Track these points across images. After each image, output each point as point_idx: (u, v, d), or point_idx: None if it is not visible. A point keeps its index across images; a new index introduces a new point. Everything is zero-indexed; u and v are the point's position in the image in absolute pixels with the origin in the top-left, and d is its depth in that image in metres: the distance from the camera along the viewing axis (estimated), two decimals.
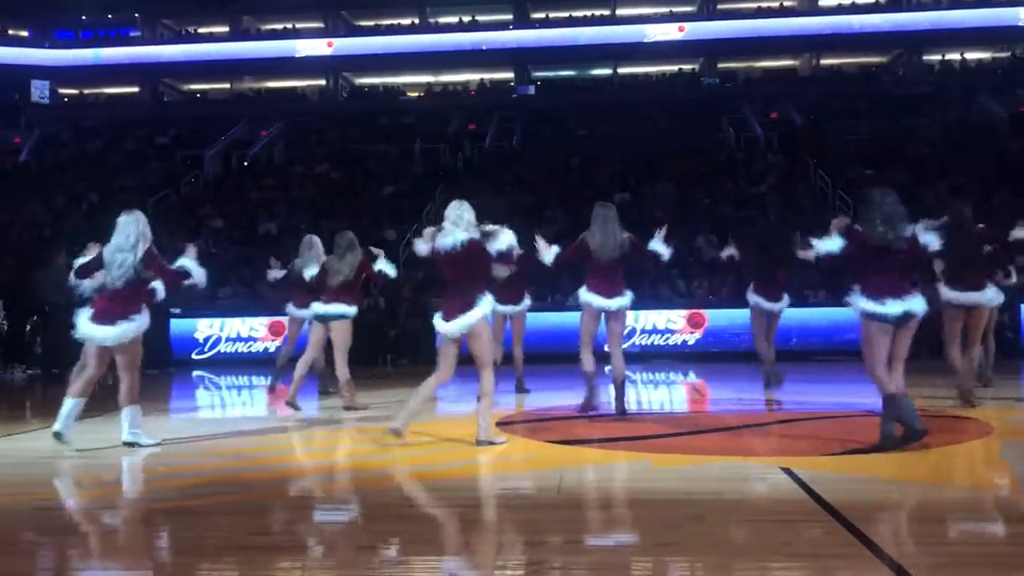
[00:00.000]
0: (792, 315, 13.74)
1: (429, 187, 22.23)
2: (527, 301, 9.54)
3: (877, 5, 32.56)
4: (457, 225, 6.10)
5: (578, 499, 4.76)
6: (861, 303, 5.62)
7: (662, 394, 10.40)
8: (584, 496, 4.88)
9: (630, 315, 13.98)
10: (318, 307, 8.26)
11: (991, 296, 7.47)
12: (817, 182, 21.41)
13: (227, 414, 9.49)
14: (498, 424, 7.22)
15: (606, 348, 7.77)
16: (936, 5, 31.50)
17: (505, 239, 6.18)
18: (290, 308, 9.67)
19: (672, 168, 22.70)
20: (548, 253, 7.40)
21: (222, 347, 15.16)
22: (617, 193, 21.25)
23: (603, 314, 7.46)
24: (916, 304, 5.58)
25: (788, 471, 5.04)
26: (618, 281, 7.42)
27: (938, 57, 31.61)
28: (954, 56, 31.77)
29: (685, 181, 21.87)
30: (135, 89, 34.31)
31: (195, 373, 13.93)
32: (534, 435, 6.79)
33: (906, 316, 5.55)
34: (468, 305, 6.06)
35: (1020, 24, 30.51)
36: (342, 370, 8.27)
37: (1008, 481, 4.99)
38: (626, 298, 7.46)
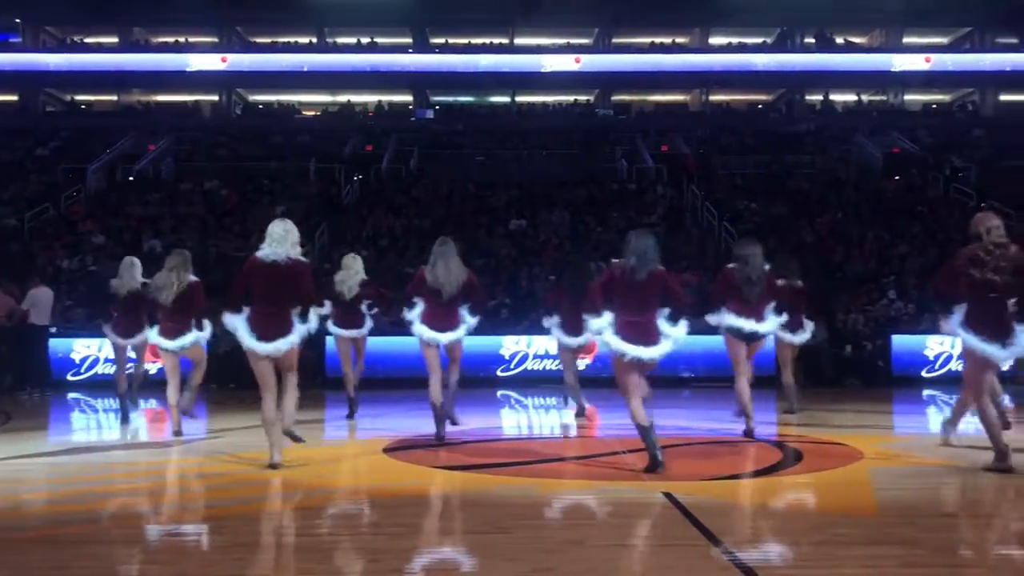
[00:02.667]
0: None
1: (323, 207, 21.97)
2: (368, 324, 9.58)
3: (764, 46, 33.96)
4: (282, 244, 6.15)
5: (460, 525, 4.75)
6: (614, 343, 5.99)
7: (552, 419, 10.48)
8: (467, 520, 4.86)
9: (522, 340, 14.34)
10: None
11: (769, 328, 7.68)
12: (704, 214, 22.07)
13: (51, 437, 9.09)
14: (384, 450, 7.17)
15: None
16: (818, 48, 33.04)
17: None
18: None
19: (567, 196, 23.05)
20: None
21: (100, 368, 14.51)
22: (513, 219, 21.47)
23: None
24: (655, 351, 5.97)
25: (669, 495, 5.15)
26: (454, 313, 7.53)
27: (819, 97, 33.12)
28: (835, 97, 33.35)
29: (579, 210, 22.23)
30: (14, 97, 32.81)
31: (70, 395, 13.32)
32: (420, 460, 6.75)
33: (645, 359, 5.97)
34: (285, 329, 6.18)
35: (893, 70, 32.32)
36: (172, 394, 8.03)
37: (875, 505, 5.21)
38: (460, 331, 7.57)
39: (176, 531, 4.63)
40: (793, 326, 9.14)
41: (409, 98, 33.52)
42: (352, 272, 9.44)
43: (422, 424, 8.47)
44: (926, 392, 12.85)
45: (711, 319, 7.72)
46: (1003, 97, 33.44)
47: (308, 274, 6.32)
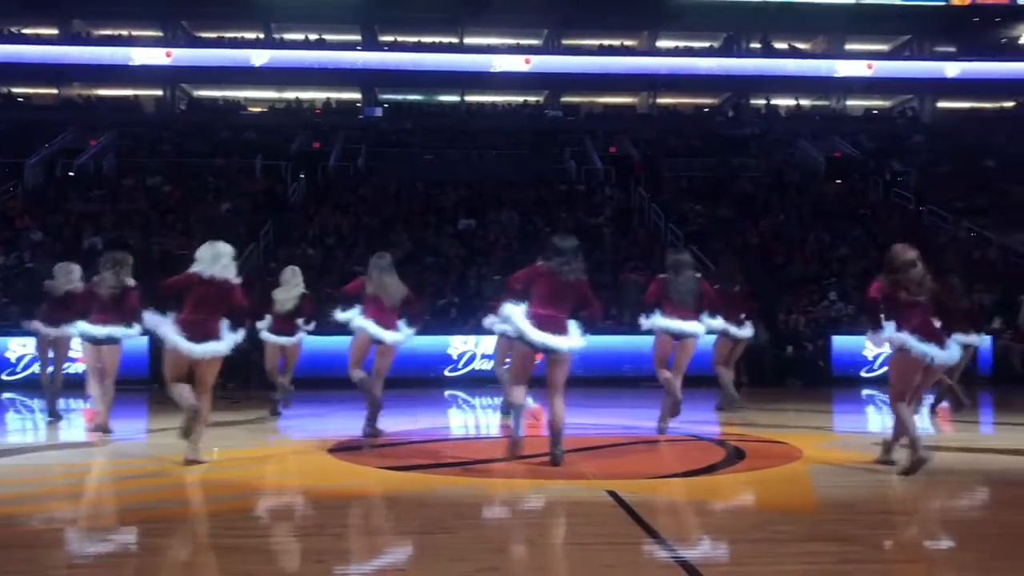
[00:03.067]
0: (626, 342, 14.32)
1: (269, 205, 21.72)
2: (302, 333, 9.70)
3: (711, 50, 34.39)
4: (212, 265, 6.43)
5: (404, 526, 4.74)
6: (522, 328, 6.14)
7: (499, 418, 10.49)
8: (412, 521, 4.85)
9: (470, 340, 14.34)
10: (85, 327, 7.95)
11: (699, 329, 8.01)
12: (651, 216, 22.29)
13: None
14: (329, 451, 7.11)
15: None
16: (763, 53, 33.56)
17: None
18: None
19: (516, 196, 23.09)
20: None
21: (36, 368, 14.15)
22: (462, 219, 21.46)
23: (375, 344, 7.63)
24: (565, 343, 6.12)
25: (614, 494, 5.19)
26: (395, 319, 7.67)
27: (764, 102, 33.64)
28: (779, 102, 33.91)
29: (528, 210, 22.29)
30: None
31: (4, 395, 12.98)
32: (364, 461, 6.70)
33: (549, 350, 6.13)
34: (214, 335, 6.35)
35: (836, 76, 32.96)
36: (94, 390, 8.00)
37: (814, 502, 5.31)
38: (400, 334, 7.66)
39: (112, 536, 4.54)
40: (735, 323, 9.58)
41: (357, 96, 33.28)
42: (292, 286, 9.59)
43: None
44: (865, 392, 13.14)
45: (644, 323, 8.06)
46: (941, 104, 34.33)
47: (238, 292, 6.55)
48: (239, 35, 33.42)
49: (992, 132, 31.16)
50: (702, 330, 8.09)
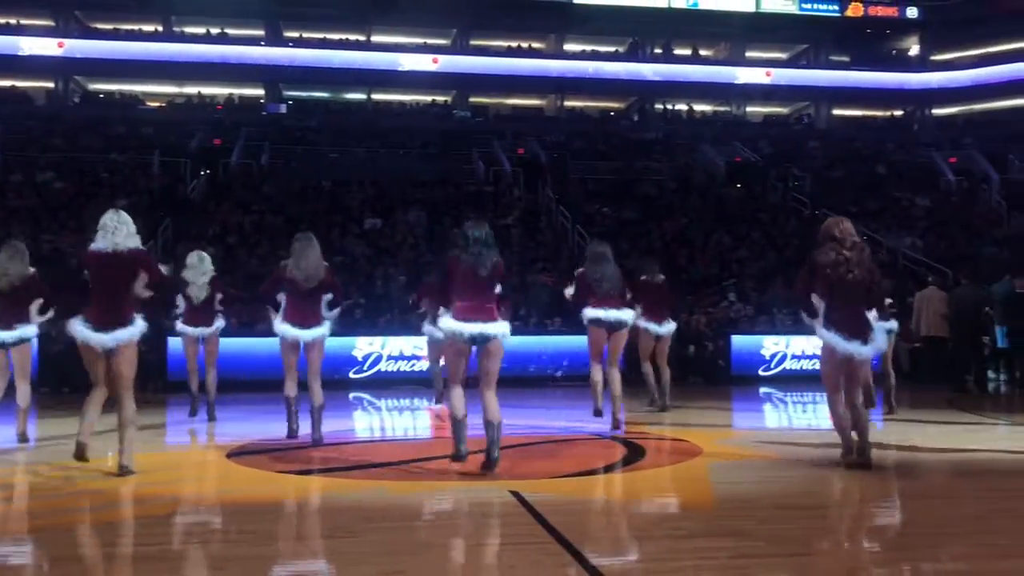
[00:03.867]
0: (534, 342, 14.41)
1: (167, 202, 21.07)
2: (220, 322, 9.38)
3: (616, 54, 34.92)
4: (115, 234, 5.92)
5: (305, 530, 4.66)
6: (447, 325, 5.97)
7: (405, 420, 10.43)
8: (312, 527, 4.78)
9: (376, 341, 14.19)
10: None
11: (627, 318, 8.18)
12: (559, 217, 22.48)
13: None
14: (228, 456, 6.94)
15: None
16: (667, 59, 34.25)
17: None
18: None
19: (424, 196, 22.98)
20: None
21: None
22: (368, 218, 21.23)
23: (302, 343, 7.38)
24: (496, 329, 5.94)
25: (517, 494, 5.21)
26: (316, 310, 7.38)
27: (669, 106, 34.33)
28: (682, 107, 34.66)
29: (436, 210, 22.20)
30: None
31: None
32: (265, 465, 6.57)
33: (481, 338, 5.90)
34: (122, 320, 5.89)
35: (737, 82, 33.91)
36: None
37: (712, 499, 5.44)
38: (323, 328, 7.40)
39: (4, 547, 4.33)
40: (657, 319, 9.72)
41: (261, 92, 32.64)
42: (200, 271, 9.22)
43: (270, 428, 8.27)
44: (763, 390, 13.51)
45: (584, 319, 8.15)
46: (836, 111, 35.66)
47: (149, 261, 6.12)
48: (137, 27, 32.38)
49: (883, 139, 32.54)
50: (632, 317, 8.22)
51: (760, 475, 6.18)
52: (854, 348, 6.04)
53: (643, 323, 9.61)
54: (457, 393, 5.98)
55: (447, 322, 5.97)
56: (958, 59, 35.65)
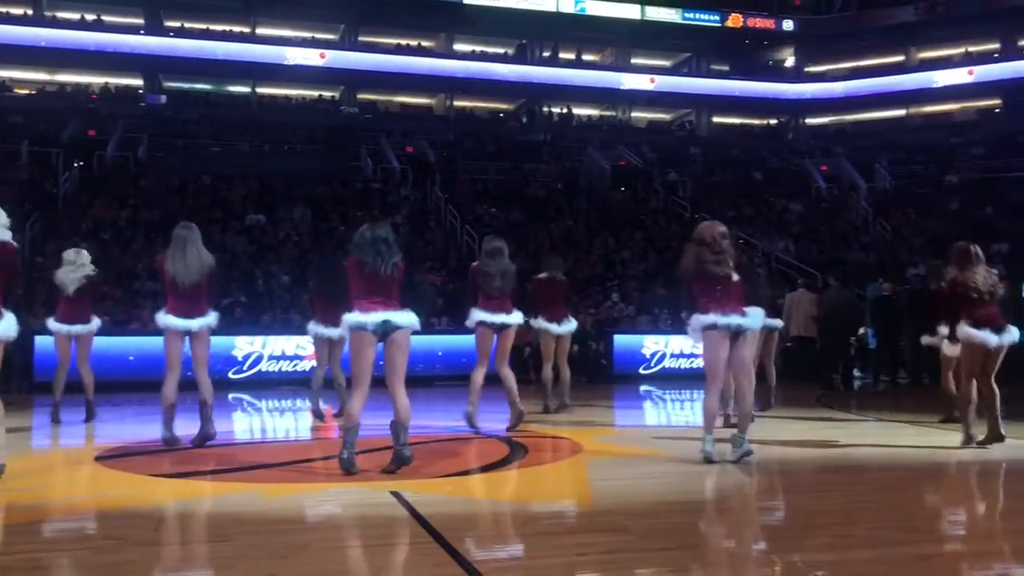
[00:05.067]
0: (421, 341, 14.34)
1: (37, 195, 20.07)
2: (96, 322, 9.03)
3: (505, 56, 35.15)
4: None
5: (177, 535, 4.52)
6: (351, 318, 5.83)
7: (286, 421, 10.24)
8: (184, 531, 4.64)
9: (256, 341, 13.87)
10: None
11: (513, 321, 8.17)
12: (447, 217, 22.47)
13: None
14: (98, 459, 6.67)
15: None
16: (554, 62, 34.68)
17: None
18: None
19: (309, 193, 22.59)
20: None
21: None
22: (250, 215, 20.73)
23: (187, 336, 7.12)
24: (402, 318, 5.86)
25: (397, 495, 5.18)
26: (201, 303, 7.13)
27: (556, 109, 34.76)
28: (573, 111, 35.13)
29: (321, 207, 21.87)
30: None
31: None
32: (137, 468, 6.34)
33: (387, 326, 5.81)
34: None
35: (622, 88, 34.63)
36: None
37: (590, 495, 5.54)
38: (211, 317, 7.17)
39: None
40: (557, 318, 9.76)
41: (139, 82, 31.48)
42: (76, 267, 8.82)
43: (142, 429, 7.99)
44: (643, 388, 13.84)
45: (469, 322, 8.13)
46: (716, 119, 36.85)
47: (13, 254, 5.76)
48: (5, 10, 30.71)
49: (759, 147, 33.81)
50: (519, 319, 8.20)
51: (638, 471, 6.33)
52: (736, 320, 6.21)
53: (543, 323, 9.67)
54: (358, 398, 5.81)
55: (350, 315, 5.82)
56: (831, 71, 37.38)
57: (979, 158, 29.86)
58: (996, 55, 34.24)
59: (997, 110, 33.84)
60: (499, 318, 8.01)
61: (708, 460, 6.26)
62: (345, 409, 5.89)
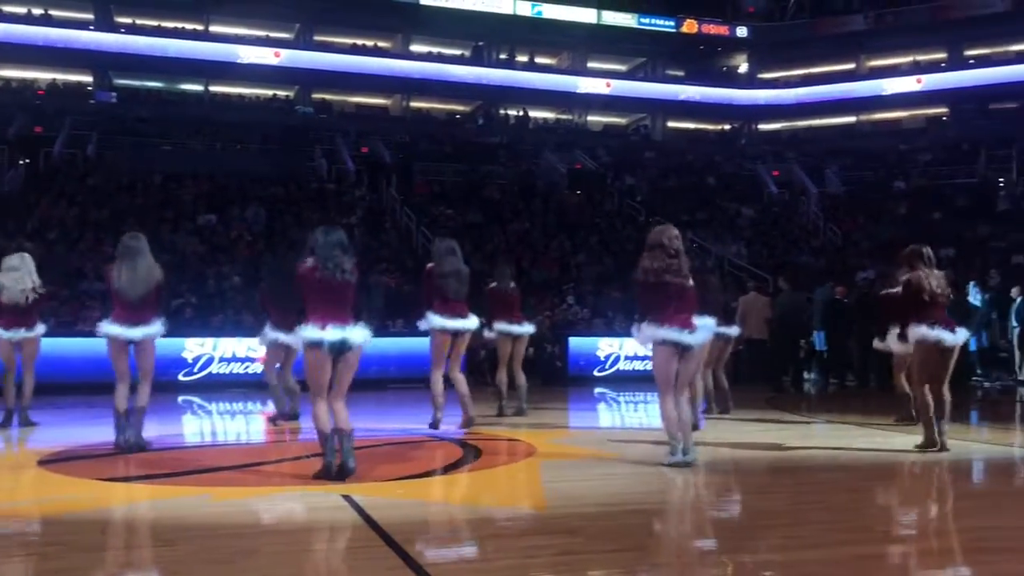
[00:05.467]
0: (371, 344, 14.24)
1: None
2: (40, 327, 8.83)
3: (462, 57, 35.11)
4: None
5: (124, 539, 4.44)
6: (308, 333, 5.72)
7: (237, 424, 10.11)
8: (130, 536, 4.55)
9: (207, 342, 13.66)
10: None
11: (471, 326, 8.22)
12: (403, 218, 22.37)
13: None
14: (40, 463, 6.52)
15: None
16: (510, 64, 34.71)
17: None
18: None
19: (263, 193, 22.34)
20: None
21: None
22: (202, 215, 20.45)
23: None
24: (358, 336, 5.81)
25: (348, 498, 5.13)
26: (148, 313, 6.98)
27: (513, 112, 34.80)
28: (530, 114, 35.18)
29: (275, 207, 21.64)
30: None
31: None
32: (82, 472, 6.21)
33: (343, 345, 5.75)
34: None
35: (578, 92, 34.78)
36: None
37: (543, 497, 5.54)
38: (155, 326, 7.01)
39: None
40: (515, 321, 9.71)
41: (89, 78, 30.89)
42: (22, 273, 8.60)
43: (87, 433, 7.83)
44: (597, 390, 13.89)
45: (422, 324, 8.07)
46: (671, 124, 37.17)
47: None
48: None
49: (713, 152, 34.19)
50: (476, 323, 8.17)
51: (590, 473, 6.34)
52: (679, 336, 6.12)
53: (502, 326, 9.55)
54: (322, 406, 5.75)
55: (306, 331, 5.69)
56: (783, 78, 37.93)
57: (927, 165, 30.50)
58: (943, 64, 34.99)
59: (944, 118, 34.63)
60: (456, 323, 7.96)
61: (682, 464, 6.22)
62: (315, 418, 5.78)
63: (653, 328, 6.21)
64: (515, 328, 9.70)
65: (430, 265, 8.20)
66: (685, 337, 6.18)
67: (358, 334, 5.79)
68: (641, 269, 6.26)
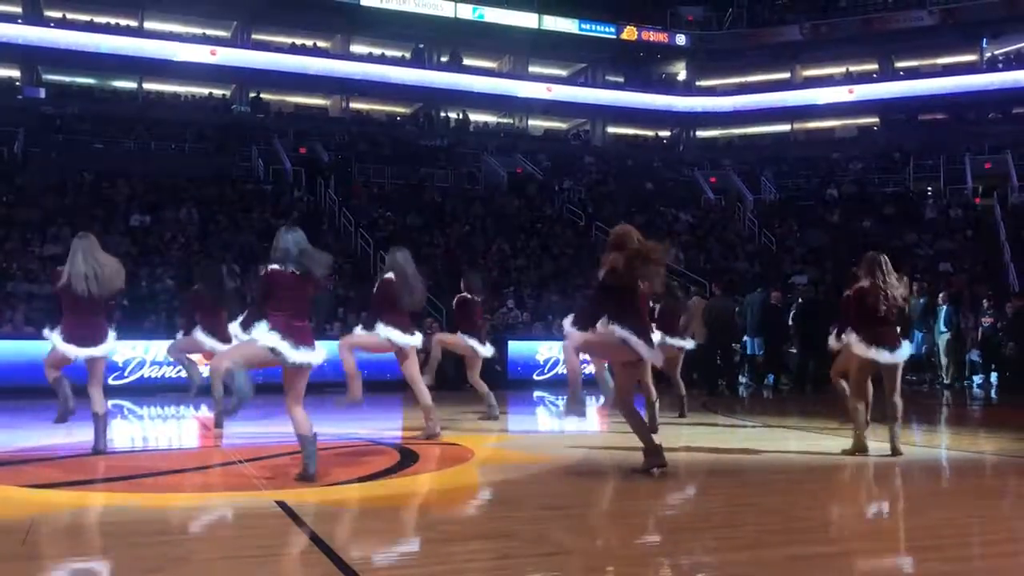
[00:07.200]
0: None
1: None
2: None
3: (403, 59, 34.93)
4: None
5: (47, 548, 4.30)
6: (271, 341, 5.57)
7: (168, 429, 9.89)
8: (55, 544, 4.41)
9: (139, 346, 13.36)
10: None
11: (417, 343, 8.07)
12: (342, 220, 22.17)
13: None
14: None
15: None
16: (451, 67, 34.65)
17: None
18: None
19: (197, 193, 21.94)
20: None
21: None
22: (135, 215, 20.02)
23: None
24: (316, 358, 5.69)
25: (283, 504, 5.06)
26: (98, 322, 6.73)
27: (454, 115, 34.73)
28: (471, 117, 35.17)
29: (209, 207, 21.26)
30: None
31: None
32: (5, 479, 6.00)
33: (300, 366, 5.64)
34: None
35: (519, 96, 34.86)
36: None
37: (479, 501, 5.53)
38: (107, 343, 6.78)
39: None
40: (481, 337, 9.89)
41: (16, 73, 29.99)
42: None
43: (13, 438, 7.59)
44: (536, 394, 13.93)
45: (375, 337, 7.86)
46: (610, 129, 37.47)
47: None
48: None
49: (651, 158, 34.58)
50: (420, 341, 8.02)
51: (527, 477, 6.35)
52: (641, 343, 5.94)
53: (472, 342, 9.70)
54: (301, 414, 5.69)
55: (269, 338, 5.53)
56: (720, 86, 38.52)
57: (858, 173, 31.27)
58: (875, 75, 35.93)
59: (875, 127, 35.54)
60: (405, 339, 7.81)
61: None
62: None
63: (625, 332, 5.92)
64: (485, 349, 9.89)
65: (389, 276, 7.86)
66: (645, 352, 5.98)
67: (314, 355, 5.65)
68: (622, 270, 5.90)
